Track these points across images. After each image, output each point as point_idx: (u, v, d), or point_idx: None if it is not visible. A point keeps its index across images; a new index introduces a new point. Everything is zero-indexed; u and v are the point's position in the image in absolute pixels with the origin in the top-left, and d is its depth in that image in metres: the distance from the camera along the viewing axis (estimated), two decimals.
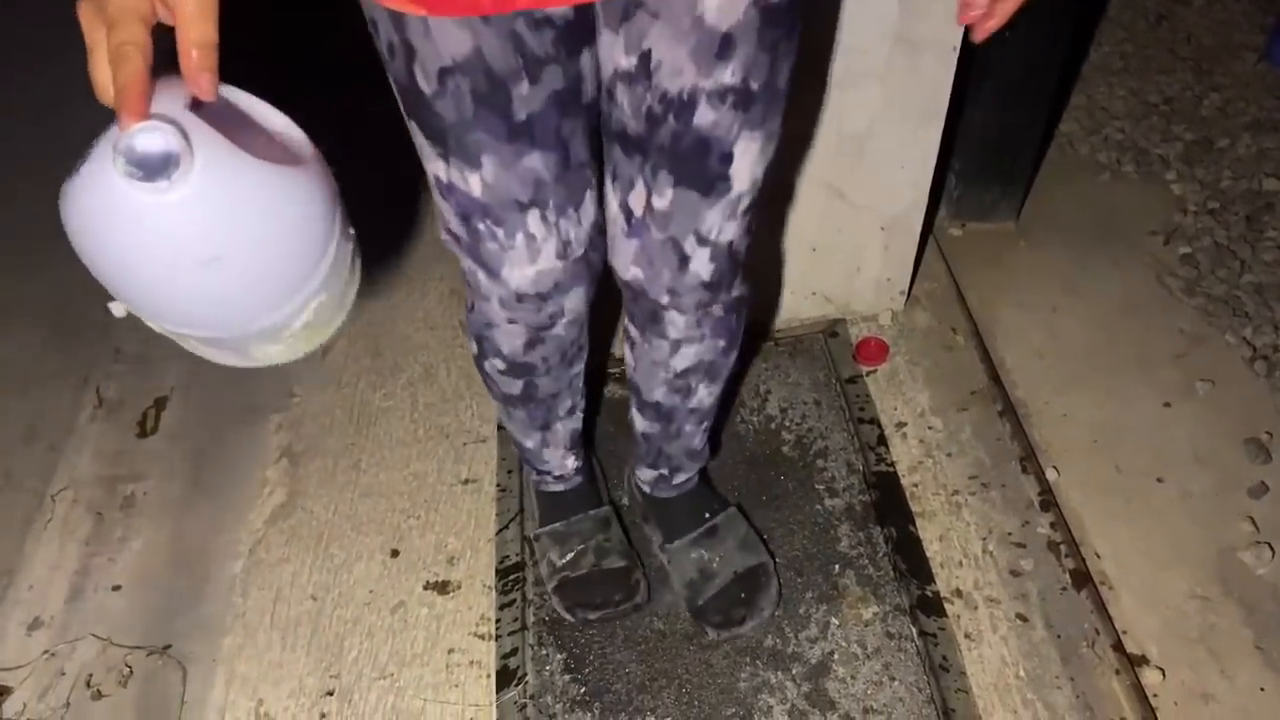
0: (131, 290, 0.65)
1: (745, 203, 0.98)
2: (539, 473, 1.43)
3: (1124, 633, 1.34)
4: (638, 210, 0.99)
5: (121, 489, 1.66)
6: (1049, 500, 1.47)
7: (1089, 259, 1.85)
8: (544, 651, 1.37)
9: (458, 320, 1.85)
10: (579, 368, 1.25)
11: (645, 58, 0.85)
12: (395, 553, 1.52)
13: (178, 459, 1.70)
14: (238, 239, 0.62)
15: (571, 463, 1.41)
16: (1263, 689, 1.29)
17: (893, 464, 1.53)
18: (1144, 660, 1.32)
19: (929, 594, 1.38)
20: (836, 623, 1.36)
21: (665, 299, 1.06)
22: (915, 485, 1.51)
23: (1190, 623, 1.35)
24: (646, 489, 1.44)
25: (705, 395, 1.25)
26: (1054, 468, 1.52)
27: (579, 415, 1.35)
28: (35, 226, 2.18)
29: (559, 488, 1.45)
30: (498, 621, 1.41)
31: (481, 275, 1.02)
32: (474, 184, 0.91)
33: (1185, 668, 1.31)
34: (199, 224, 0.60)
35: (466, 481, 1.60)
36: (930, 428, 1.58)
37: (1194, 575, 1.40)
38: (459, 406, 1.71)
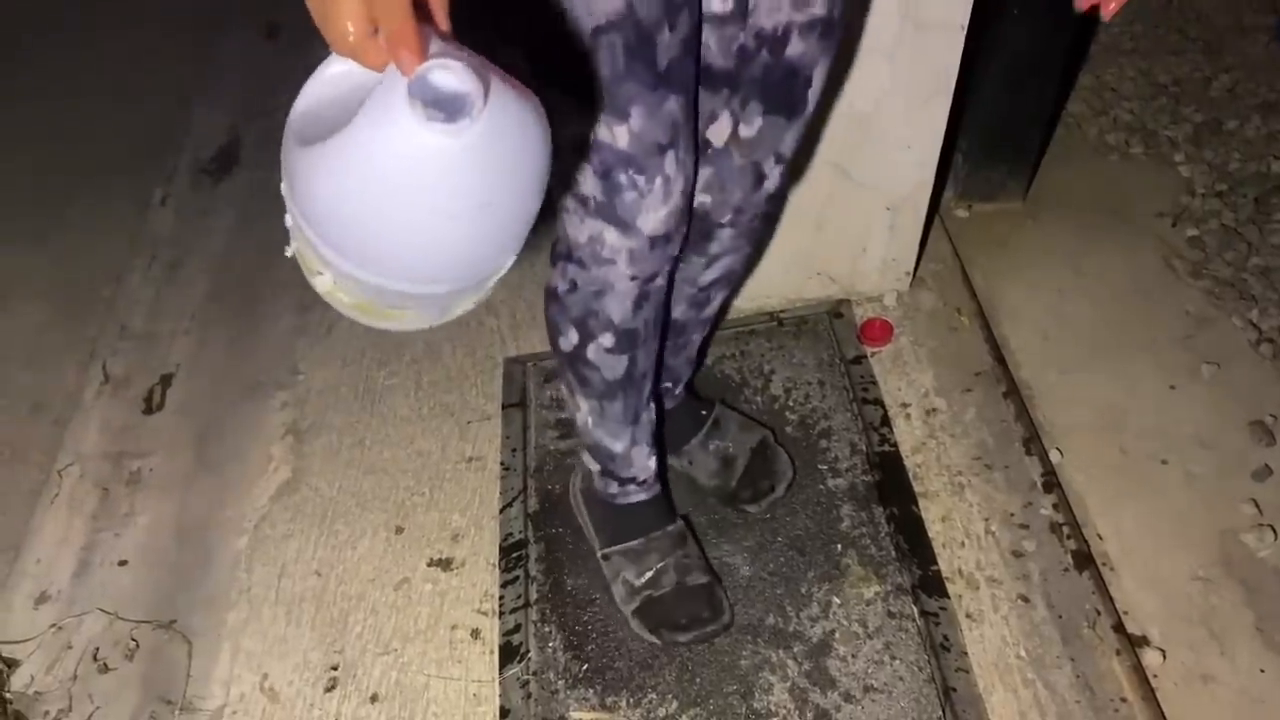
0: (384, 244, 0.64)
1: (812, 118, 1.09)
2: (620, 484, 1.37)
3: (1125, 614, 1.35)
4: (718, 141, 1.09)
5: (127, 465, 1.67)
6: (1052, 481, 1.47)
7: (1096, 240, 1.85)
8: (546, 628, 1.37)
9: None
10: (657, 341, 1.25)
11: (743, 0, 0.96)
12: (399, 529, 1.52)
13: (183, 435, 1.71)
14: (510, 179, 0.62)
15: (654, 464, 1.37)
16: (1263, 670, 1.29)
17: (896, 444, 1.53)
18: (1145, 641, 1.32)
19: (931, 574, 1.38)
20: (838, 602, 1.37)
21: (728, 217, 1.17)
22: (918, 466, 1.51)
23: (1192, 604, 1.36)
24: None
25: (719, 303, 1.35)
26: (1057, 449, 1.53)
27: (654, 406, 1.34)
28: (39, 202, 2.20)
29: (641, 496, 1.38)
30: (501, 598, 1.42)
31: (612, 233, 1.03)
32: (620, 135, 0.94)
33: (1186, 649, 1.31)
34: (486, 165, 0.59)
35: (471, 459, 1.61)
36: (934, 409, 1.58)
37: (1196, 557, 1.40)
38: (463, 385, 1.71)
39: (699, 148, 1.07)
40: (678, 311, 1.32)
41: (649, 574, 1.35)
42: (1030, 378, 1.63)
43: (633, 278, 1.08)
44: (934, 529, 1.43)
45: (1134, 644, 1.31)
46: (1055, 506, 1.44)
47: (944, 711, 1.26)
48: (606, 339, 1.16)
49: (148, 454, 1.68)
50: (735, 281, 1.33)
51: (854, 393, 1.60)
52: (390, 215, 0.61)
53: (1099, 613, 1.33)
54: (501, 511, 1.52)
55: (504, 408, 1.66)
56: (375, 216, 0.62)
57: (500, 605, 1.41)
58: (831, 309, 1.73)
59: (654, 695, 1.30)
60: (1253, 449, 1.52)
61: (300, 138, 0.64)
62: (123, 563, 1.53)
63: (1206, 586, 1.37)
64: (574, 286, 1.12)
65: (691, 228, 1.14)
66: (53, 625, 1.46)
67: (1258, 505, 1.44)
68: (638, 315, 1.13)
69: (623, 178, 0.97)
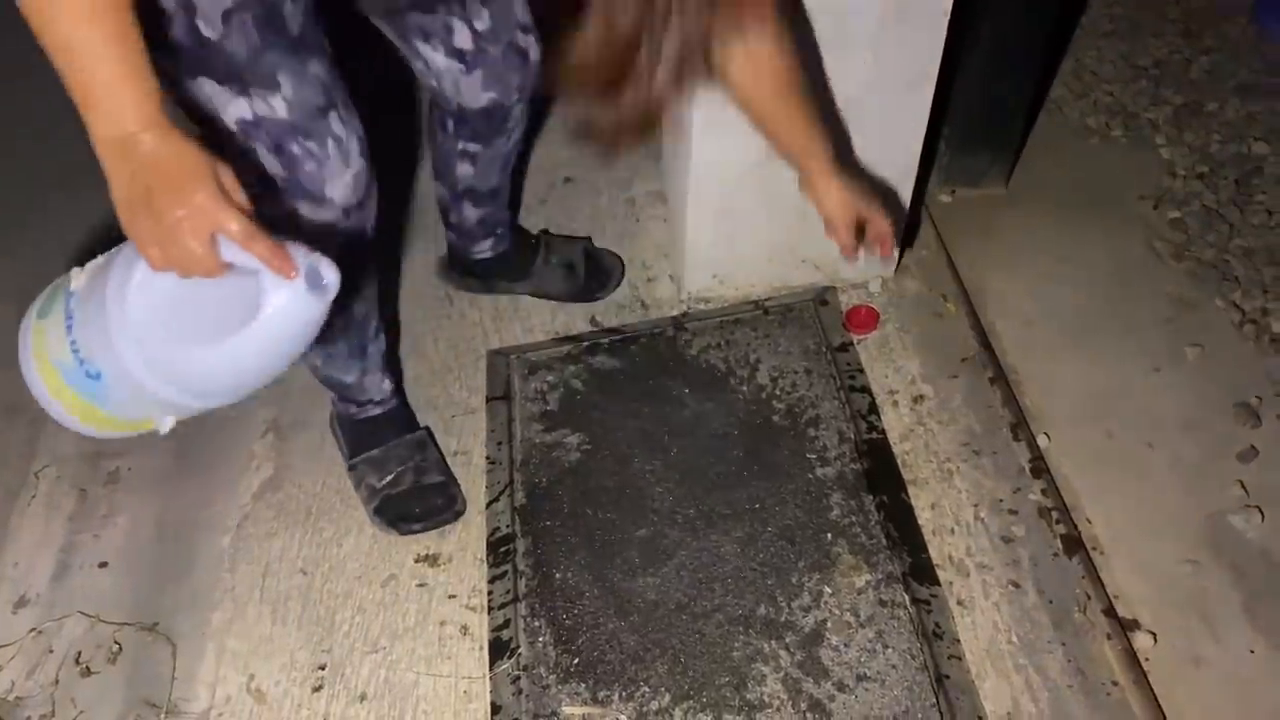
0: (237, 377, 0.99)
1: None
2: (359, 405, 1.51)
3: (1115, 598, 1.35)
4: (468, 45, 1.28)
5: (105, 465, 1.64)
6: (1040, 467, 1.47)
7: (1079, 224, 1.85)
8: (536, 623, 1.36)
9: (444, 292, 1.83)
10: (375, 285, 1.37)
11: None
12: None
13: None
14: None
15: (388, 385, 1.51)
16: (1252, 651, 1.30)
17: (884, 432, 1.53)
18: (1135, 625, 1.32)
19: (921, 561, 1.38)
20: (829, 591, 1.36)
21: (515, 97, 1.38)
22: (907, 453, 1.51)
23: (1181, 587, 1.36)
24: (488, 256, 1.72)
25: (518, 147, 1.53)
26: (1045, 434, 1.52)
27: (383, 335, 1.45)
28: (3, 204, 2.16)
29: (377, 412, 1.52)
30: (489, 594, 1.40)
31: (306, 208, 1.11)
32: (278, 105, 1.03)
33: (1176, 631, 1.32)
34: (318, 319, 0.95)
35: (456, 454, 1.59)
36: (921, 395, 1.58)
37: (1185, 540, 1.41)
38: (447, 379, 1.70)
39: (462, 56, 1.29)
40: (497, 179, 1.56)
41: (389, 477, 1.48)
42: (1016, 362, 1.63)
43: (338, 247, 1.14)
44: (923, 516, 1.43)
45: (1125, 628, 1.31)
46: (1044, 492, 1.44)
47: (937, 699, 1.25)
48: None
49: (125, 453, 1.65)
50: (525, 124, 1.49)
51: (841, 380, 1.59)
52: (267, 363, 0.98)
53: (1089, 597, 1.33)
54: (488, 506, 1.50)
55: (488, 400, 1.64)
56: (257, 367, 0.98)
57: (489, 600, 1.40)
58: (817, 297, 1.72)
59: (646, 689, 1.29)
60: (1238, 431, 1.52)
61: (169, 337, 0.92)
62: (103, 564, 1.51)
63: (1196, 569, 1.38)
64: None
65: (487, 124, 1.40)
66: (32, 629, 1.43)
67: (1244, 487, 1.45)
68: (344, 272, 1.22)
69: (296, 148, 1.06)
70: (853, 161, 1.53)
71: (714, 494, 1.47)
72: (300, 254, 0.90)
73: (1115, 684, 1.26)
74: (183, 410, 1.01)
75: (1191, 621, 1.32)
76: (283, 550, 1.50)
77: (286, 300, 0.89)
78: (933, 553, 1.39)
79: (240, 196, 0.86)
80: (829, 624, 1.33)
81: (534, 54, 1.34)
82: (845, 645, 1.31)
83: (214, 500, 1.58)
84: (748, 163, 1.51)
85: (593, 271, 1.77)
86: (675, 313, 1.74)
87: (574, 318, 1.76)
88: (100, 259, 0.98)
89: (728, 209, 1.60)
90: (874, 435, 1.52)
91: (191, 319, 0.92)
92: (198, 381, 0.96)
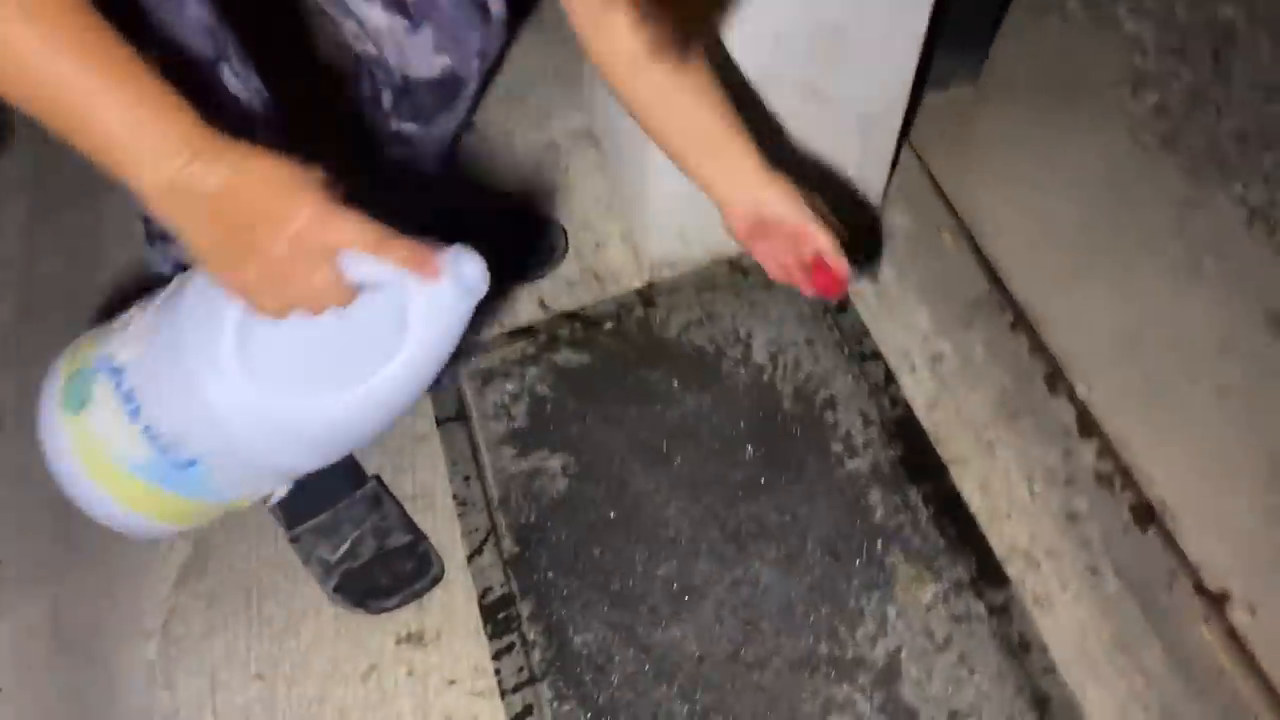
0: (384, 412, 0.78)
1: None
2: None
3: (1199, 569, 1.21)
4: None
5: None
6: (1089, 422, 1.31)
7: (1057, 121, 1.66)
8: (565, 707, 1.15)
9: None
10: None
11: None
12: None
13: (39, 513, 1.35)
14: None
15: None
16: None
17: (909, 405, 1.34)
18: (1227, 597, 1.20)
19: (987, 560, 1.22)
20: (894, 612, 1.19)
21: (476, 64, 1.10)
22: (938, 426, 1.33)
23: (1265, 543, 1.24)
24: None
25: (465, 129, 1.30)
26: (1082, 383, 1.36)
27: None
28: None
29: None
30: (498, 673, 1.18)
31: None
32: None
33: (1274, 598, 1.20)
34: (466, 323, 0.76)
35: (415, 498, 1.33)
36: (939, 354, 1.39)
37: (1256, 483, 1.28)
38: None
39: (404, 9, 1.02)
40: (426, 170, 1.28)
41: (344, 546, 1.24)
42: (1030, 299, 1.45)
43: None
44: (974, 502, 1.27)
45: (1218, 603, 1.19)
46: (1100, 454, 1.29)
47: None
48: None
49: None
50: None
51: (849, 348, 1.39)
52: (418, 388, 0.77)
53: (1174, 574, 1.20)
54: (470, 560, 1.26)
55: (439, 423, 1.38)
56: (408, 395, 0.78)
57: (499, 682, 1.17)
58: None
59: None
60: (1277, 345, 1.40)
61: (292, 391, 0.73)
62: None
63: (1272, 518, 1.26)
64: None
65: (443, 92, 1.12)
66: None
67: None
68: None
69: None
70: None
71: (736, 509, 1.27)
72: (436, 250, 0.70)
73: (1222, 673, 1.14)
74: (305, 469, 0.85)
75: None
76: (228, 651, 1.23)
77: (441, 307, 0.72)
78: (995, 544, 1.23)
79: (340, 192, 0.65)
80: (903, 652, 1.16)
81: (496, 7, 1.07)
82: (927, 676, 1.14)
83: (123, 597, 1.28)
84: None
85: (527, 242, 1.49)
86: (638, 284, 1.49)
87: (518, 303, 1.49)
88: (135, 315, 0.80)
89: None
90: (899, 412, 1.33)
91: (312, 360, 0.73)
92: (333, 432, 0.79)
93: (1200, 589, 1.19)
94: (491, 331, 1.45)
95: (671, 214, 1.43)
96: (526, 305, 1.48)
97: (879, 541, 1.23)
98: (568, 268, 1.52)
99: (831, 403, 1.35)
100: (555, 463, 1.32)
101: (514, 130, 1.70)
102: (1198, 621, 1.17)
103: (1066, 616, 1.18)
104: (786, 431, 1.32)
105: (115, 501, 0.81)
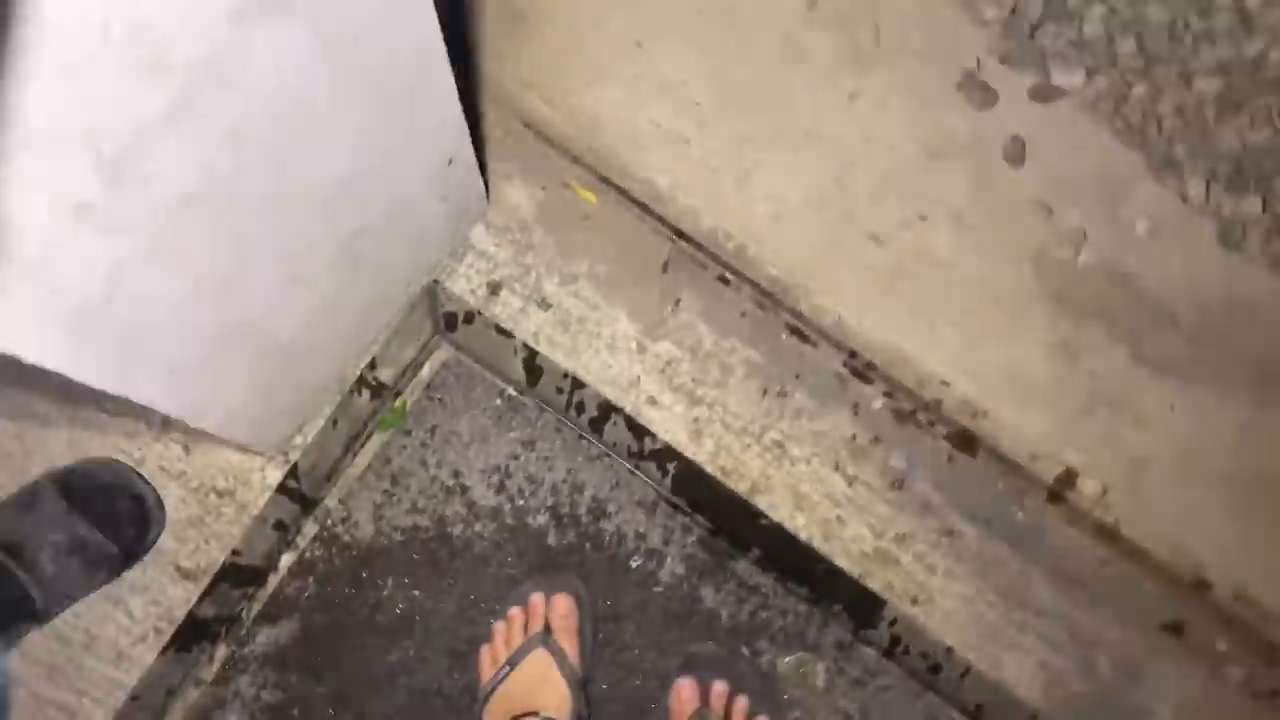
0: None
1: None
2: None
3: (1034, 458, 1.11)
4: None
5: None
6: (855, 362, 1.11)
7: None
8: None
9: None
10: None
11: None
12: None
13: None
14: None
15: None
16: (1173, 407, 1.13)
17: (673, 447, 1.08)
18: (1073, 476, 1.11)
19: (851, 596, 1.06)
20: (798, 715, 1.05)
21: None
22: (714, 457, 1.09)
23: (1070, 389, 1.13)
24: None
25: None
26: (810, 303, 1.13)
27: None
28: None
29: None
30: None
31: None
32: None
33: (1104, 455, 1.11)
34: None
35: None
36: (669, 363, 1.11)
37: (1017, 330, 1.14)
38: None
39: None
40: None
41: None
42: (713, 225, 1.15)
43: None
44: (800, 528, 1.08)
45: (1067, 485, 1.10)
46: (887, 394, 1.10)
47: None
48: None
49: None
50: None
51: (569, 419, 1.09)
52: None
53: (1017, 475, 1.09)
54: None
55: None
56: None
57: None
58: (429, 311, 1.11)
59: None
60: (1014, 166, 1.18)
61: None
62: None
63: (1053, 354, 1.13)
64: None
65: None
66: None
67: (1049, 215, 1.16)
68: None
69: None
70: None
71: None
72: None
73: (1105, 562, 1.08)
74: None
75: (1113, 427, 1.12)
76: None
77: None
78: (846, 566, 1.07)
79: None
80: None
81: None
82: None
83: None
84: None
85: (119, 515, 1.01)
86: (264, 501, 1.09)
87: (154, 591, 1.07)
88: None
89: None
90: (678, 467, 1.08)
91: None
92: None
93: (1054, 481, 1.09)
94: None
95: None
96: (166, 588, 1.07)
97: (743, 647, 1.06)
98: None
99: (598, 509, 1.08)
100: None
101: None
102: (1060, 522, 1.09)
103: (949, 601, 1.07)
104: (567, 568, 1.07)
105: None
